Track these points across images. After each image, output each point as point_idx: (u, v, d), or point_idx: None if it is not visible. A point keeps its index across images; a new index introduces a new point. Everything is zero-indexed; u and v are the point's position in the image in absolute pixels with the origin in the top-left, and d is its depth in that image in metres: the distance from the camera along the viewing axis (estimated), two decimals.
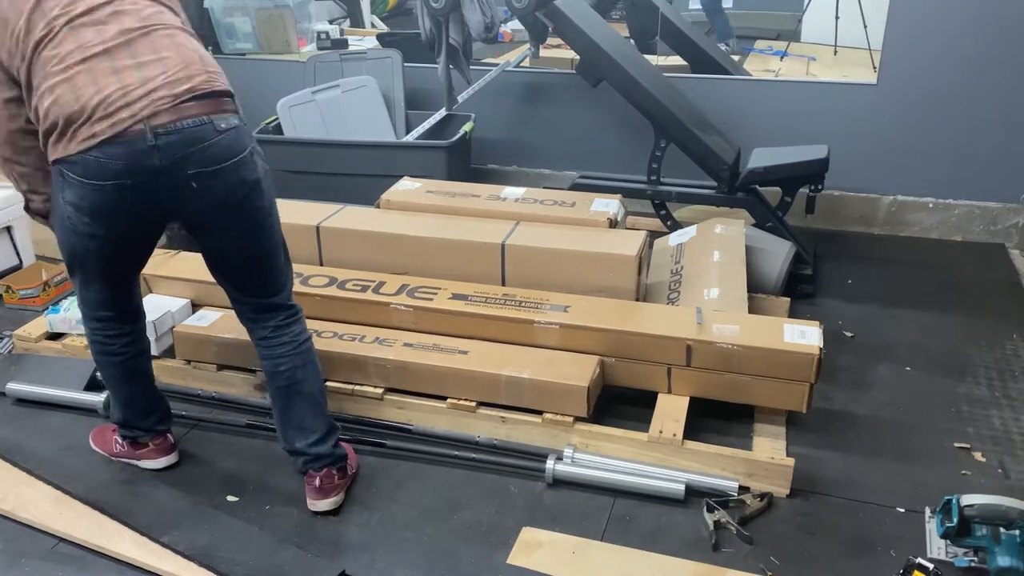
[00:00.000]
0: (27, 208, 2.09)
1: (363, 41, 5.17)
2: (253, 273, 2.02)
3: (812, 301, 3.18)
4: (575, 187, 3.47)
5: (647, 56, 3.84)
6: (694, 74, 4.12)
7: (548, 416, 2.31)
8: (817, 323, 2.35)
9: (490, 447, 2.32)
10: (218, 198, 1.85)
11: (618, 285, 2.56)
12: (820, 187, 3.15)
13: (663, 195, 3.46)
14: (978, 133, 3.51)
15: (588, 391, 2.29)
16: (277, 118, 3.86)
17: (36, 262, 3.44)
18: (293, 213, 2.96)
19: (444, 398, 2.41)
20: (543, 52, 4.40)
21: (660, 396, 2.40)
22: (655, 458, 2.24)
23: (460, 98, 3.85)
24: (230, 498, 2.20)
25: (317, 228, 2.83)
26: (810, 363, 2.24)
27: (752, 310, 2.58)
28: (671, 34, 4.14)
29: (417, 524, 2.11)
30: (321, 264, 2.86)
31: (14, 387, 2.60)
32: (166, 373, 2.65)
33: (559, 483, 2.22)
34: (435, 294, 2.60)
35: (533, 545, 2.02)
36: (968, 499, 1.89)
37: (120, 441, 2.29)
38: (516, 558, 1.98)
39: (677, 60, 4.25)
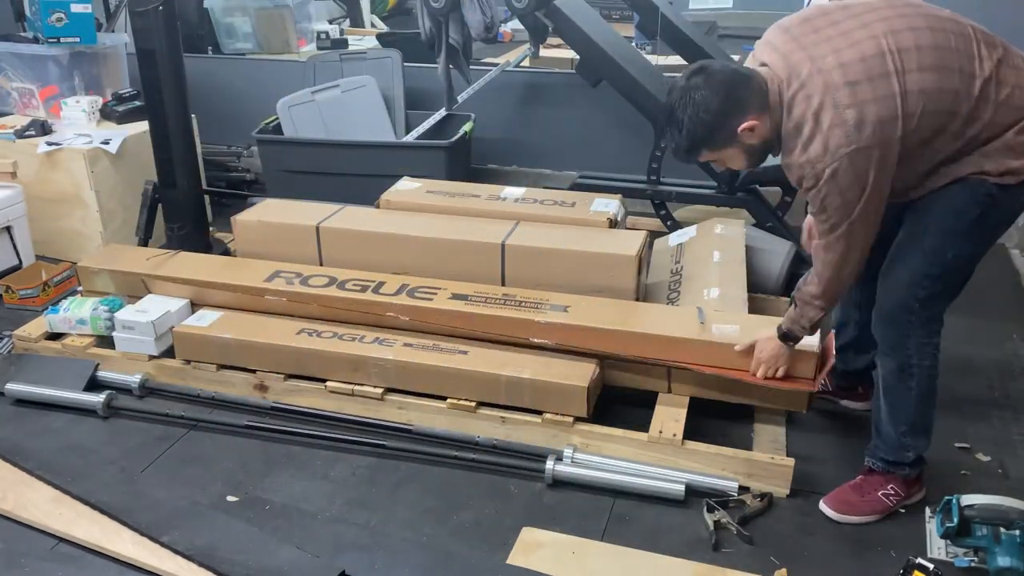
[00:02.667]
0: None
1: (363, 41, 5.17)
2: None
3: None
4: (575, 187, 3.47)
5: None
6: None
7: (548, 416, 2.31)
8: None
9: (490, 447, 2.32)
10: None
11: (618, 285, 2.56)
12: None
13: (663, 195, 3.46)
14: None
15: (588, 391, 2.28)
16: (277, 118, 3.86)
17: (36, 262, 3.44)
18: (293, 213, 2.97)
19: (444, 398, 2.41)
20: (543, 52, 4.40)
21: (660, 396, 2.40)
22: (655, 458, 2.24)
23: (460, 98, 3.84)
24: (230, 498, 2.20)
25: (317, 228, 2.83)
26: (810, 361, 2.24)
27: (752, 310, 2.58)
28: (671, 34, 4.13)
29: (417, 524, 2.11)
30: (321, 264, 2.86)
31: (14, 387, 2.59)
32: (166, 373, 2.65)
33: (559, 483, 2.22)
34: (435, 294, 2.60)
35: (533, 545, 2.02)
36: (968, 499, 1.89)
37: (895, 491, 2.10)
38: (516, 558, 1.97)
39: (677, 60, 4.25)
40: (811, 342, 2.24)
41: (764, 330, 2.22)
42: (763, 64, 1.87)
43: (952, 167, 1.84)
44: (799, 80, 1.77)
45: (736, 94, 1.83)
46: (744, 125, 1.83)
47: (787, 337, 2.13)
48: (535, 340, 2.46)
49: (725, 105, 1.82)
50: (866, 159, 1.74)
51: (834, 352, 2.38)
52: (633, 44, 4.35)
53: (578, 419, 2.31)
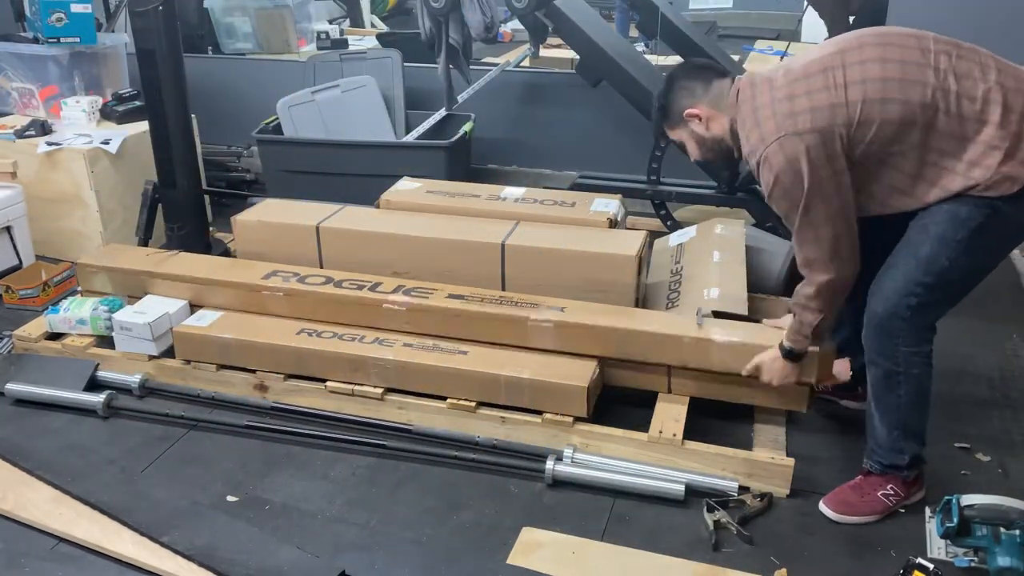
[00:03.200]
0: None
1: (363, 41, 5.18)
2: None
3: None
4: (575, 187, 3.47)
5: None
6: None
7: (548, 416, 2.31)
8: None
9: (490, 447, 2.32)
10: None
11: (618, 285, 2.56)
12: None
13: (663, 195, 3.46)
14: None
15: (588, 391, 2.28)
16: (277, 118, 3.86)
17: (36, 262, 3.44)
18: (293, 213, 2.97)
19: (444, 398, 2.41)
20: (543, 52, 4.41)
21: (660, 396, 2.40)
22: (655, 458, 2.24)
23: (460, 98, 3.84)
24: (230, 498, 2.20)
25: (317, 228, 2.83)
26: (811, 362, 2.23)
27: (752, 310, 2.57)
28: (671, 34, 4.14)
29: (417, 524, 2.11)
30: (321, 265, 2.85)
31: (14, 387, 2.59)
32: (165, 373, 2.65)
33: (559, 483, 2.22)
34: (431, 294, 2.59)
35: (533, 545, 2.02)
36: (968, 499, 1.89)
37: (895, 491, 2.09)
38: (516, 558, 1.97)
39: (677, 60, 4.25)
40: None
41: (768, 351, 2.18)
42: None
43: (943, 176, 1.84)
44: (750, 83, 1.98)
45: (688, 82, 2.07)
46: (689, 110, 2.05)
47: (791, 355, 2.11)
48: (530, 341, 2.45)
49: (677, 89, 2.08)
50: (796, 145, 1.82)
51: (850, 371, 2.37)
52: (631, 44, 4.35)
53: (578, 419, 2.31)
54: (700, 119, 2.05)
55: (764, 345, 2.24)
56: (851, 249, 1.91)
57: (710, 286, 2.63)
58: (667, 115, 2.12)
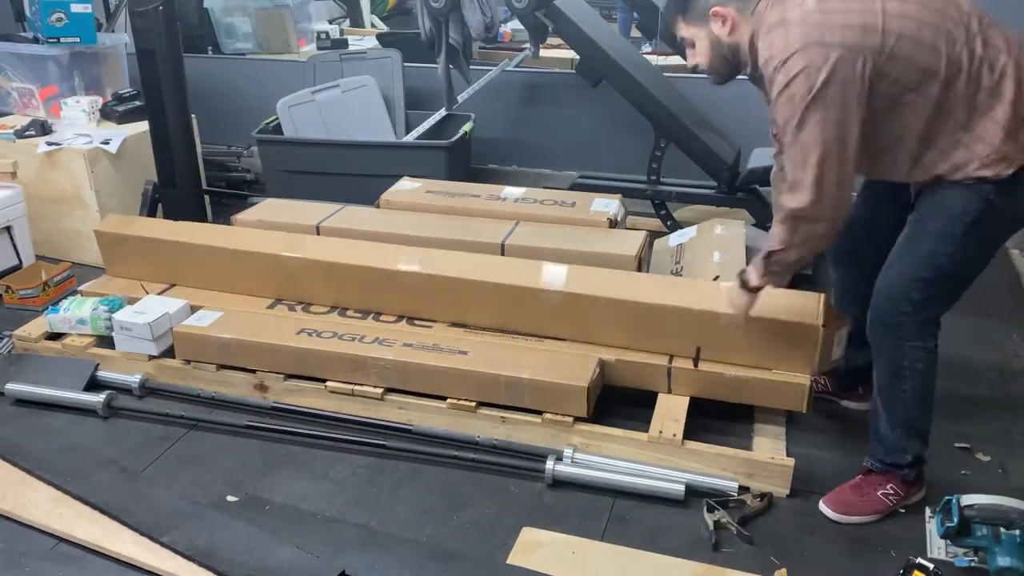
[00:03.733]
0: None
1: (363, 41, 5.17)
2: None
3: None
4: (575, 187, 3.47)
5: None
6: (694, 74, 4.12)
7: (548, 416, 2.31)
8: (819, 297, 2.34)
9: (490, 447, 2.32)
10: None
11: None
12: None
13: (663, 195, 3.46)
14: None
15: (588, 391, 2.28)
16: (277, 118, 3.86)
17: (36, 262, 3.43)
18: (293, 213, 2.97)
19: (444, 398, 2.41)
20: (543, 52, 4.40)
21: (660, 396, 2.40)
22: (655, 458, 2.24)
23: (460, 98, 3.85)
24: (230, 498, 2.20)
25: (317, 228, 2.83)
26: (815, 337, 2.24)
27: None
28: (671, 33, 4.14)
29: (417, 524, 2.11)
30: None
31: (14, 387, 2.59)
32: (166, 373, 2.65)
33: (559, 483, 2.22)
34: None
35: (533, 545, 2.02)
36: (968, 499, 1.89)
37: (895, 490, 2.09)
38: (516, 558, 1.97)
39: (677, 60, 4.26)
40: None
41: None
42: None
43: (947, 144, 1.82)
44: None
45: None
46: (717, 8, 1.90)
47: (741, 278, 2.07)
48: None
49: None
50: (820, 54, 1.72)
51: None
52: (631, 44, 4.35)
53: (578, 419, 2.31)
54: (725, 21, 1.91)
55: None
56: (837, 186, 1.78)
57: None
58: (688, 7, 1.95)
